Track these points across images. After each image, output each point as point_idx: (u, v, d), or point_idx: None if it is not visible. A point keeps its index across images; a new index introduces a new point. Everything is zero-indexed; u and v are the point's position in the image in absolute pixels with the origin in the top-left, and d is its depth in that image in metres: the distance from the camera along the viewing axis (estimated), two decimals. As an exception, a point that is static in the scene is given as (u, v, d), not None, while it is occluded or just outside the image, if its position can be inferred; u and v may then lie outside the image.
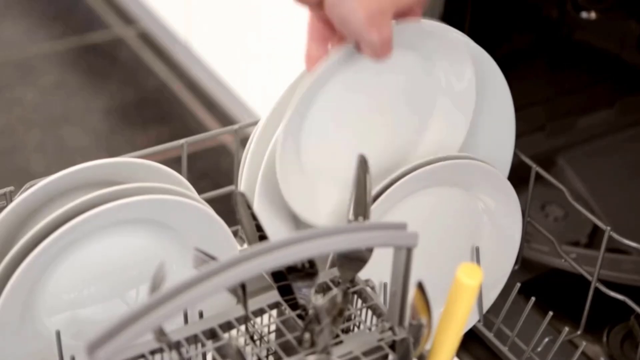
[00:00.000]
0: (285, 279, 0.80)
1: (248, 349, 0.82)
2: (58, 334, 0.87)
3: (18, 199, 0.85)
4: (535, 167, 1.07)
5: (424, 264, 0.90)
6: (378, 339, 0.80)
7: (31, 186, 0.86)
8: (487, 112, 1.01)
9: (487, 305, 1.06)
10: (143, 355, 0.77)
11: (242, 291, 0.78)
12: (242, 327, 0.82)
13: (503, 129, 1.03)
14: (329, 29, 0.87)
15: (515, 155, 1.07)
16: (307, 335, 0.77)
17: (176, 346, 0.77)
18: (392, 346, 0.80)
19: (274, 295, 0.83)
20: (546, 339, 1.04)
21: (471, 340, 1.09)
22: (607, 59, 1.41)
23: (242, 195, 0.80)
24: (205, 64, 1.83)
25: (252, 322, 0.83)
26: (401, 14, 0.86)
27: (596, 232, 1.24)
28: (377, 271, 0.88)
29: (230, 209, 0.84)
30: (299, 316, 0.82)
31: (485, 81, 0.99)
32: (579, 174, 1.33)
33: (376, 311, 0.84)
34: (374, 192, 0.91)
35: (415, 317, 0.77)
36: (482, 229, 1.02)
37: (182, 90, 1.93)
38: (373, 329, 0.82)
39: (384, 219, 0.94)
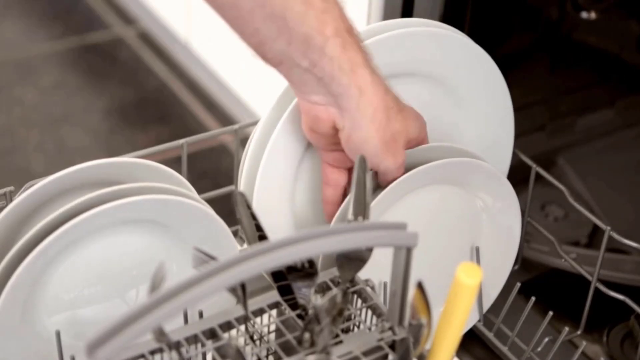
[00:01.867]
0: (285, 279, 0.80)
1: (248, 349, 0.81)
2: (58, 334, 0.87)
3: (18, 199, 0.85)
4: (535, 167, 1.07)
5: (424, 264, 0.90)
6: (378, 339, 0.80)
7: (31, 186, 0.86)
8: (487, 111, 1.01)
9: (487, 305, 1.06)
10: (143, 355, 0.77)
11: (242, 291, 0.78)
12: (242, 327, 0.82)
13: (503, 128, 1.03)
14: (343, 175, 0.92)
15: (515, 155, 1.07)
16: (307, 335, 0.77)
17: (176, 346, 0.77)
18: (392, 346, 0.80)
19: (273, 295, 0.83)
20: (546, 339, 1.04)
21: (471, 340, 1.09)
22: (607, 59, 1.42)
23: (242, 195, 0.80)
24: (205, 64, 1.83)
25: (252, 322, 0.83)
26: (409, 143, 0.90)
27: (596, 232, 1.24)
28: (377, 271, 0.88)
29: (230, 209, 0.84)
30: (299, 316, 0.82)
31: (484, 81, 0.99)
32: (579, 174, 1.33)
33: (376, 311, 0.84)
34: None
35: (415, 316, 0.77)
36: (481, 228, 1.02)
37: (182, 90, 1.93)
38: (373, 328, 0.82)
39: (382, 217, 0.94)
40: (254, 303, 0.83)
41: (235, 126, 1.02)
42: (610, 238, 1.03)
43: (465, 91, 0.98)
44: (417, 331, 0.77)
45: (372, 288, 0.86)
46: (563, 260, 1.10)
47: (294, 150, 0.92)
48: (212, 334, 0.80)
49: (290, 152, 0.92)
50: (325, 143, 0.90)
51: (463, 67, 0.97)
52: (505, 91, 1.01)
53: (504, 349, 1.06)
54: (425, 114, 0.98)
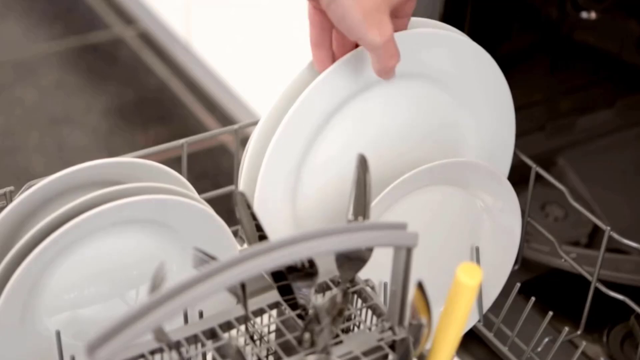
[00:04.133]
0: (285, 279, 0.80)
1: (248, 349, 0.82)
2: (58, 334, 0.87)
3: (18, 199, 0.85)
4: (535, 167, 1.07)
5: (424, 264, 0.90)
6: (378, 339, 0.80)
7: (31, 186, 0.86)
8: (488, 111, 1.01)
9: (487, 305, 1.06)
10: (143, 355, 0.77)
11: (242, 291, 0.78)
12: (242, 327, 0.82)
13: (503, 128, 1.03)
14: (328, 18, 0.86)
15: (515, 155, 1.07)
16: (307, 335, 0.77)
17: (176, 346, 0.77)
18: (392, 346, 0.80)
19: (274, 295, 0.83)
20: (546, 339, 1.04)
21: (471, 340, 1.09)
22: (607, 59, 1.41)
23: (242, 195, 0.80)
24: (205, 64, 1.83)
25: (252, 322, 0.83)
26: (396, 10, 0.85)
27: (596, 232, 1.24)
28: (377, 271, 0.88)
29: (230, 209, 0.84)
30: (299, 316, 0.82)
31: (485, 81, 0.99)
32: (579, 174, 1.33)
33: (376, 311, 0.84)
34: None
35: (415, 316, 0.77)
36: (481, 228, 1.02)
37: (182, 90, 1.93)
38: (373, 328, 0.82)
39: (382, 218, 0.94)
40: (254, 303, 0.83)
41: (235, 126, 1.02)
42: (610, 238, 1.03)
43: (468, 92, 0.98)
44: (417, 331, 0.77)
45: (372, 288, 0.86)
46: (563, 260, 1.10)
47: (296, 150, 0.92)
48: (212, 334, 0.80)
49: (292, 152, 0.92)
50: None
51: (465, 68, 0.97)
52: (507, 92, 1.01)
53: (504, 349, 1.06)
54: (428, 114, 0.97)
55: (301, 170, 0.94)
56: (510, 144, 1.04)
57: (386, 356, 0.80)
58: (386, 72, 0.87)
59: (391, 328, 0.80)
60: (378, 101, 0.94)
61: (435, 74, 0.96)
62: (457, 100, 0.99)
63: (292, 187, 0.94)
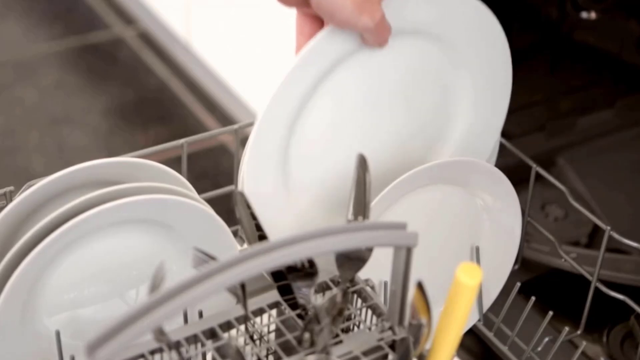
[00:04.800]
0: (285, 279, 0.80)
1: (248, 348, 0.82)
2: (58, 334, 0.87)
3: (18, 199, 0.85)
4: (535, 167, 1.07)
5: (424, 263, 0.90)
6: (378, 339, 0.80)
7: (31, 186, 0.86)
8: (481, 65, 0.97)
9: (487, 304, 1.06)
10: (143, 355, 0.77)
11: (242, 291, 0.78)
12: (242, 327, 0.82)
13: (498, 82, 0.99)
14: (317, 25, 0.88)
15: (515, 155, 1.07)
16: (306, 335, 0.77)
17: (176, 346, 0.77)
18: (392, 346, 0.80)
19: (273, 295, 0.83)
20: (546, 339, 1.04)
21: (471, 340, 1.09)
22: (607, 59, 1.42)
23: (242, 195, 0.80)
24: (205, 64, 1.83)
25: (252, 321, 0.83)
26: None
27: (596, 232, 1.24)
28: (377, 271, 0.88)
29: (230, 209, 0.84)
30: (299, 316, 0.82)
31: (484, 39, 0.96)
32: (579, 174, 1.33)
33: (376, 311, 0.84)
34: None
35: (415, 316, 0.77)
36: (481, 227, 1.02)
37: (182, 90, 1.93)
38: (373, 328, 0.82)
39: (382, 217, 0.94)
40: (254, 303, 0.83)
41: (235, 126, 1.02)
42: (610, 238, 1.03)
43: (459, 45, 0.94)
44: (417, 331, 0.78)
45: (372, 288, 0.86)
46: (563, 260, 1.10)
47: (283, 121, 0.89)
48: (212, 334, 0.80)
49: (280, 124, 0.89)
50: (296, 3, 0.86)
51: (455, 22, 0.93)
52: (503, 45, 0.98)
53: (504, 349, 1.06)
54: (419, 73, 0.94)
55: (289, 145, 0.91)
56: (504, 99, 1.01)
57: (386, 356, 0.80)
58: (380, 44, 0.89)
59: (391, 328, 0.80)
60: (368, 64, 0.91)
61: (423, 29, 0.92)
62: (449, 56, 0.95)
63: (282, 160, 0.92)
